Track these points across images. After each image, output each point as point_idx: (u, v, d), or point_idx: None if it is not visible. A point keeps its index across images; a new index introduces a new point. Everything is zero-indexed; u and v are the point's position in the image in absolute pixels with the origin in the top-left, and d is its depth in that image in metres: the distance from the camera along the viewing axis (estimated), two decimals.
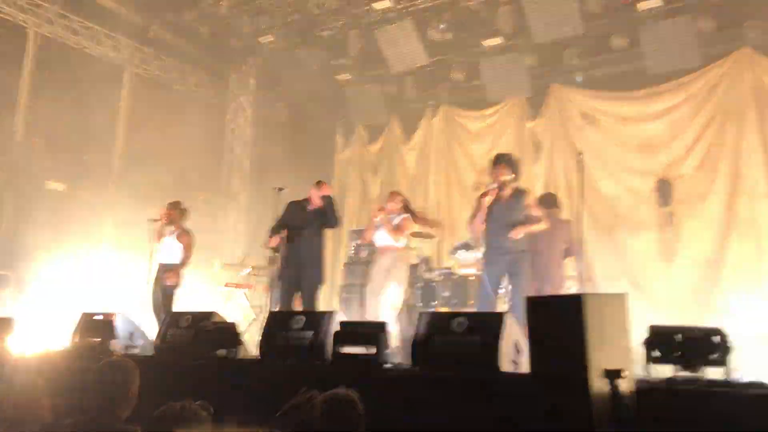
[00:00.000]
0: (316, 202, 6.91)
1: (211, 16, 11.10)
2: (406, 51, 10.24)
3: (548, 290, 6.24)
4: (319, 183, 7.06)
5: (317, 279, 6.84)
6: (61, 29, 10.45)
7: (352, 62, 11.19)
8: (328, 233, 7.93)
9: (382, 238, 6.85)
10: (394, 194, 7.19)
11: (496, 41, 10.13)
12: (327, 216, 6.90)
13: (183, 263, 7.45)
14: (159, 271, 7.45)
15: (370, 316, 6.68)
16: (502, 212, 5.92)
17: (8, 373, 5.46)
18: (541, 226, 5.89)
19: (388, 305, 6.52)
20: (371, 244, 7.30)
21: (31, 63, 10.20)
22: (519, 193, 5.99)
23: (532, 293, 5.69)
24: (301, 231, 6.82)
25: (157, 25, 10.93)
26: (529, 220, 5.88)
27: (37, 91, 10.17)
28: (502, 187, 5.95)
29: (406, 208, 6.95)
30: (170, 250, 7.47)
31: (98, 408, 3.25)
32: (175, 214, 7.56)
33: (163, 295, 7.29)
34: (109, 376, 3.35)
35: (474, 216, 6.11)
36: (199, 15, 11.05)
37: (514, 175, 6.03)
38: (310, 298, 6.67)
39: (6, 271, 9.08)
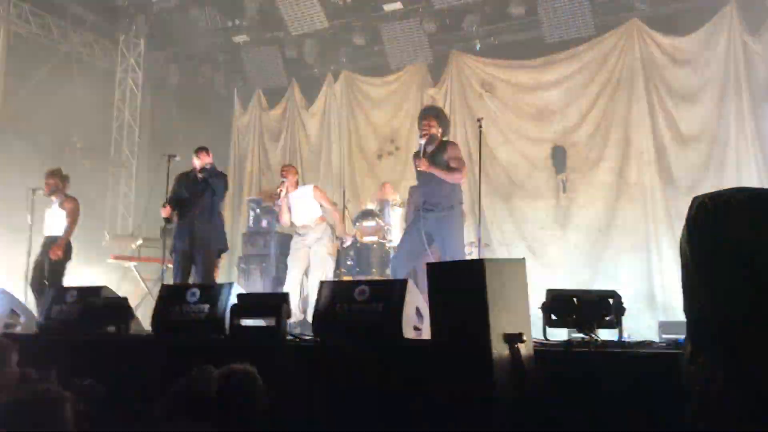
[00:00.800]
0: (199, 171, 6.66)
1: None
2: (306, 13, 9.97)
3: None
4: (197, 150, 6.75)
5: (212, 252, 6.61)
6: None
7: (249, 23, 10.79)
8: (226, 202, 7.70)
9: (304, 214, 6.80)
10: (289, 168, 7.13)
11: (396, 6, 10.01)
12: (209, 186, 6.62)
13: (67, 233, 7.00)
14: (44, 244, 6.99)
15: (290, 289, 6.60)
16: (434, 163, 5.55)
17: None
18: (453, 176, 5.52)
19: (320, 278, 6.40)
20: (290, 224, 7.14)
21: None
22: (442, 145, 5.71)
23: (460, 252, 5.51)
24: (191, 203, 6.55)
25: None
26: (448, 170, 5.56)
27: None
28: (430, 140, 5.68)
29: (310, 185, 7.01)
30: (55, 220, 7.01)
31: None
32: (56, 181, 7.08)
33: (50, 269, 6.85)
34: None
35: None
36: None
37: (441, 129, 5.79)
38: (205, 272, 6.42)
39: None
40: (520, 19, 9.61)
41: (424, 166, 5.47)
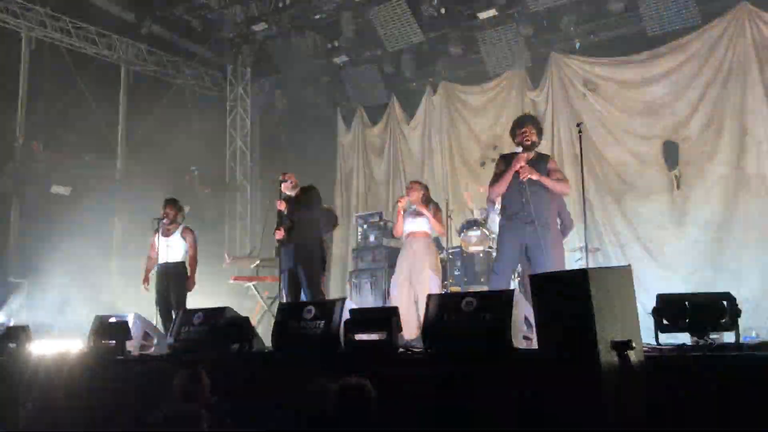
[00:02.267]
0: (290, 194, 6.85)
1: (202, 7, 11.04)
2: (401, 29, 10.15)
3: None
4: (282, 176, 6.91)
5: (314, 269, 6.71)
6: (54, 31, 10.43)
7: (347, 44, 11.09)
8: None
9: (414, 223, 6.90)
10: (413, 185, 7.16)
11: (491, 13, 10.00)
12: (301, 204, 6.73)
13: (194, 263, 7.48)
14: (163, 272, 7.43)
15: (399, 303, 6.56)
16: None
17: (28, 378, 5.55)
18: (559, 187, 5.44)
19: (425, 291, 6.48)
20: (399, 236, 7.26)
21: (27, 67, 10.20)
22: (541, 157, 5.62)
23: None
24: (292, 224, 6.71)
25: (149, 21, 10.86)
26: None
27: (35, 94, 10.19)
28: (531, 147, 5.56)
29: (426, 199, 6.99)
30: (172, 248, 7.47)
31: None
32: (175, 211, 7.56)
33: (176, 294, 7.31)
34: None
35: (497, 180, 5.62)
36: (188, 7, 10.98)
37: (539, 139, 5.68)
38: (312, 290, 6.57)
39: (19, 279, 9.14)
40: (620, 15, 9.37)
41: (534, 175, 5.34)
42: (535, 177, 5.35)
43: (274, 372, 4.58)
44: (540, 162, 5.56)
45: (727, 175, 8.77)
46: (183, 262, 7.45)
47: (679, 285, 8.35)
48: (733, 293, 3.34)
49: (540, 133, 5.71)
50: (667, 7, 8.81)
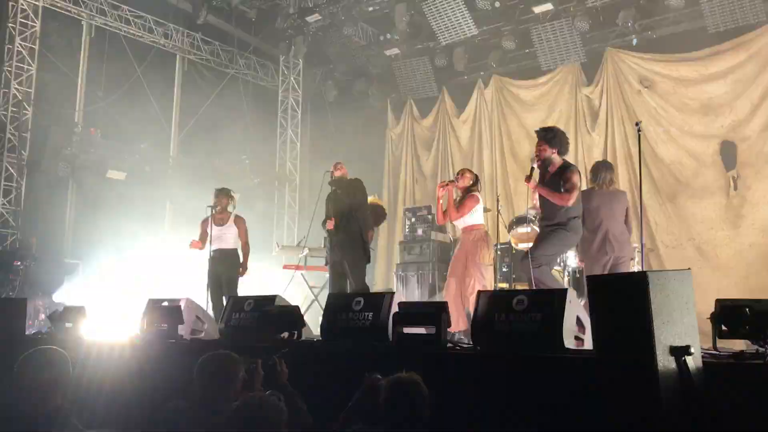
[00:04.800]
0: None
1: None
2: (455, 22, 10.10)
3: (623, 264, 6.00)
4: (334, 165, 7.01)
5: (357, 260, 6.76)
6: (113, 19, 10.67)
7: (400, 36, 11.09)
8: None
9: (462, 218, 6.83)
10: (464, 171, 7.05)
11: (546, 7, 9.88)
12: (342, 197, 6.80)
13: (248, 250, 7.61)
14: (216, 257, 7.56)
15: (449, 297, 6.50)
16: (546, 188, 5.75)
17: (82, 360, 5.70)
18: (559, 197, 5.57)
19: (473, 288, 6.46)
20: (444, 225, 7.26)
21: (87, 54, 10.47)
22: (562, 169, 5.71)
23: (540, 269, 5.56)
24: (337, 215, 6.79)
25: (204, 11, 11.03)
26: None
27: (93, 82, 10.45)
28: (545, 164, 5.75)
29: (469, 187, 6.83)
30: (225, 235, 7.60)
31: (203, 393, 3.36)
32: (228, 199, 7.69)
33: (227, 280, 7.45)
34: (213, 367, 3.46)
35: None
36: None
37: (555, 149, 5.76)
38: (355, 281, 6.64)
39: (75, 259, 9.42)
40: (679, 10, 9.15)
41: (531, 185, 5.69)
42: (530, 186, 5.72)
43: (323, 362, 4.62)
44: (559, 174, 5.70)
45: None
46: (235, 249, 7.59)
47: (731, 289, 8.16)
48: None
49: (556, 143, 5.79)
50: (730, 3, 8.56)
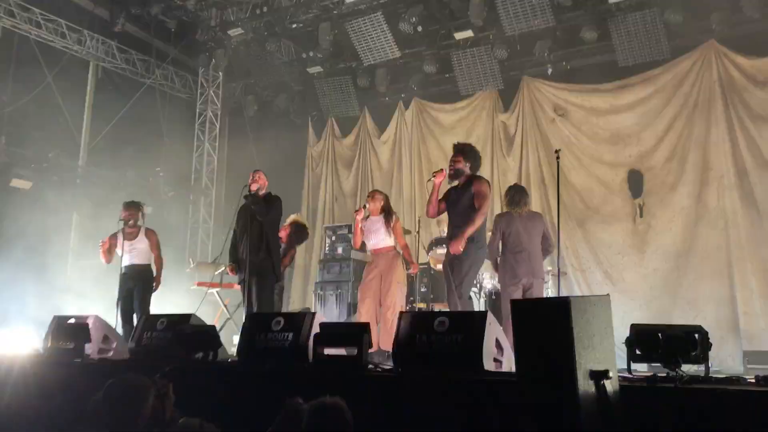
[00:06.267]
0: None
1: (178, 8, 10.93)
2: (378, 43, 10.19)
3: (537, 286, 6.18)
4: (252, 174, 6.75)
5: (266, 282, 6.55)
6: (23, 22, 10.18)
7: (322, 54, 11.09)
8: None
9: (377, 240, 6.84)
10: (374, 194, 7.13)
11: (467, 34, 10.12)
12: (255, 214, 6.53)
13: (159, 264, 7.37)
14: (128, 273, 7.30)
15: (366, 317, 6.59)
16: (455, 199, 5.96)
17: None
18: (474, 225, 5.74)
19: (394, 307, 6.49)
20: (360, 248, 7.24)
21: None
22: (470, 180, 5.95)
23: (463, 287, 5.71)
24: (245, 232, 6.55)
25: (122, 19, 10.69)
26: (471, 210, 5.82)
27: (0, 86, 9.92)
28: (456, 175, 5.98)
29: (387, 210, 6.93)
30: (136, 250, 7.35)
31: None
32: (137, 212, 7.44)
33: (140, 298, 7.18)
34: (120, 392, 3.28)
35: (429, 200, 6.13)
36: (165, 8, 10.86)
37: (468, 164, 6.01)
38: (261, 301, 6.41)
39: None
40: (592, 44, 9.56)
41: (454, 248, 5.73)
42: (454, 250, 5.75)
43: (240, 383, 4.50)
44: (467, 186, 5.93)
45: (688, 207, 9.00)
46: (148, 264, 7.34)
47: (637, 312, 8.52)
48: (689, 323, 3.43)
49: (470, 159, 6.05)
50: (639, 40, 9.02)
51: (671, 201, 9.15)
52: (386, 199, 7.11)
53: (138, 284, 7.20)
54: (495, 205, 9.21)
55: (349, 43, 10.44)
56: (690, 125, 9.14)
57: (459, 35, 10.18)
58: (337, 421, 2.87)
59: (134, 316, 7.05)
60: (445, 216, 6.42)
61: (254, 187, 6.61)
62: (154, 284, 7.30)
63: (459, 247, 5.65)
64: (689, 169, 9.06)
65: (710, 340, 3.34)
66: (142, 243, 7.38)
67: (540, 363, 2.87)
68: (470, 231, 5.70)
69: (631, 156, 9.51)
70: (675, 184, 9.16)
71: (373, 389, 4.00)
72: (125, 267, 7.29)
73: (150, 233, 7.46)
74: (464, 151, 6.08)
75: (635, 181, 9.48)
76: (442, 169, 6.10)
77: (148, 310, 7.02)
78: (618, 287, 9.17)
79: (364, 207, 7.02)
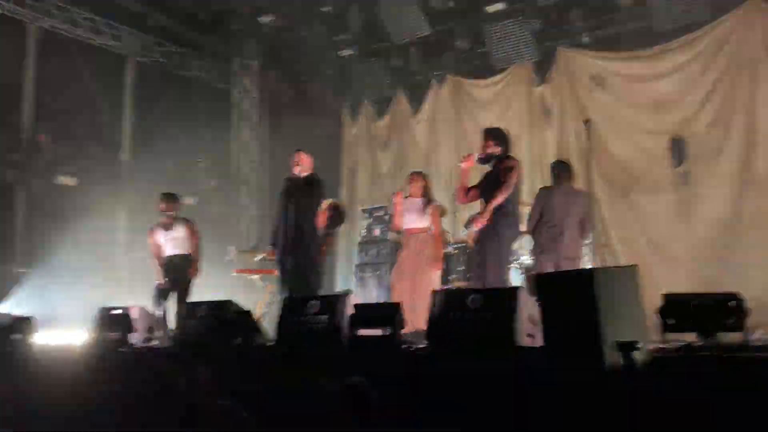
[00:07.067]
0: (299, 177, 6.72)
1: None
2: (408, 22, 10.11)
3: (566, 266, 6.08)
4: (295, 154, 6.80)
5: (307, 265, 6.57)
6: (61, 21, 10.40)
7: (354, 37, 11.06)
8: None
9: (411, 220, 6.80)
10: (414, 175, 7.08)
11: (498, 6, 9.96)
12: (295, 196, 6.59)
13: (197, 251, 7.51)
14: (171, 263, 7.46)
15: (399, 297, 6.54)
16: (488, 183, 5.97)
17: (32, 370, 5.55)
18: (497, 199, 5.73)
19: (429, 287, 6.47)
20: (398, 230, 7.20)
21: (34, 57, 10.18)
22: (499, 162, 5.98)
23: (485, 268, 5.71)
24: (286, 213, 6.59)
25: (156, 12, 10.83)
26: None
27: (42, 85, 10.17)
28: (488, 159, 6.00)
29: (426, 191, 6.87)
30: (177, 240, 7.50)
31: None
32: (177, 204, 7.59)
33: (181, 287, 7.35)
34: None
35: (458, 186, 6.18)
36: None
37: (500, 149, 6.00)
38: (307, 284, 6.46)
39: (23, 269, 9.16)
40: (628, 10, 9.30)
41: (470, 161, 5.96)
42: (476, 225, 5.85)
43: (277, 366, 4.56)
44: (498, 165, 6.00)
45: (734, 173, 8.69)
46: (187, 254, 7.50)
47: (684, 282, 8.29)
48: (740, 292, 3.32)
49: (502, 142, 6.08)
50: (676, 3, 8.73)
51: (717, 167, 8.83)
52: (427, 180, 7.04)
53: (178, 273, 7.36)
54: (536, 180, 9.10)
55: (380, 24, 10.37)
56: (734, 88, 8.79)
57: (491, 8, 10.02)
58: (362, 402, 2.88)
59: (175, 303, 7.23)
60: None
61: (297, 170, 6.64)
62: (193, 271, 7.44)
63: (483, 220, 5.62)
64: (734, 133, 8.73)
65: (748, 308, 3.23)
66: (179, 233, 7.54)
67: (566, 336, 2.84)
68: (494, 204, 5.70)
69: (673, 122, 9.23)
70: (720, 150, 8.84)
71: (405, 368, 4.01)
72: (165, 258, 7.46)
73: (187, 222, 7.62)
74: (495, 135, 6.08)
75: (679, 149, 9.20)
76: (470, 154, 6.11)
77: (188, 298, 7.17)
78: (664, 257, 8.95)
79: (402, 190, 6.99)
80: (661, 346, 3.31)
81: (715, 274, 8.45)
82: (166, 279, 7.40)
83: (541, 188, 6.63)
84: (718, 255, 8.61)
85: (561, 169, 6.47)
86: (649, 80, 9.47)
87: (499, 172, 5.85)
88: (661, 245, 9.11)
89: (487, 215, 5.65)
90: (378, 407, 2.91)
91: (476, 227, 5.69)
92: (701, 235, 8.83)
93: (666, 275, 8.50)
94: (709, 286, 8.09)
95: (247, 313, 5.21)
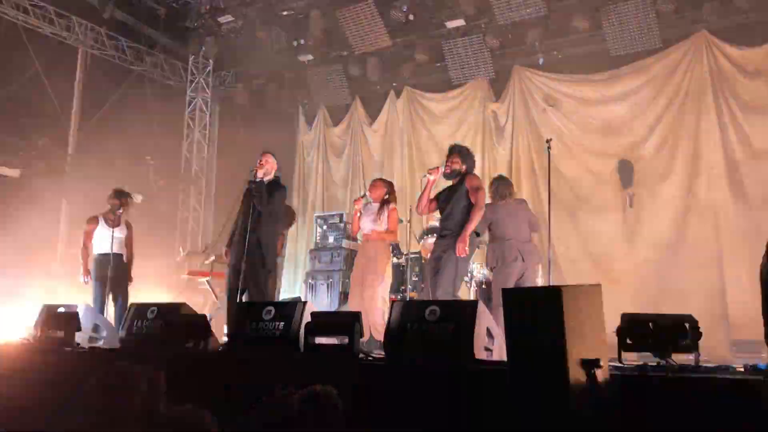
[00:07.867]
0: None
1: None
2: (369, 32, 10.14)
3: (530, 271, 6.28)
4: (261, 156, 6.57)
5: (259, 271, 6.28)
6: (10, 8, 10.04)
7: (313, 43, 11.03)
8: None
9: (367, 224, 6.80)
10: (375, 182, 7.11)
11: (458, 22, 10.09)
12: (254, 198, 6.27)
13: (131, 258, 7.41)
14: (113, 261, 7.27)
15: (354, 305, 6.51)
16: (448, 197, 6.14)
17: None
18: (473, 221, 5.91)
19: (379, 295, 6.49)
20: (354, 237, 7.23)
21: None
22: (462, 178, 6.14)
23: (443, 283, 5.80)
24: (246, 216, 6.28)
25: (111, 5, 10.58)
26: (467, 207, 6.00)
27: None
28: (452, 175, 6.16)
29: (387, 197, 6.86)
30: (118, 238, 7.35)
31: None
32: (123, 201, 7.43)
33: (121, 286, 7.20)
34: (111, 384, 3.24)
35: (420, 196, 6.31)
36: None
37: (465, 166, 6.17)
38: (258, 290, 6.23)
39: None
40: (585, 33, 9.55)
41: (460, 251, 5.80)
42: (460, 253, 5.84)
43: (231, 372, 4.49)
44: (461, 183, 6.13)
45: (678, 198, 9.02)
46: (126, 258, 7.40)
47: (626, 302, 8.50)
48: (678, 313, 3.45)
49: (467, 160, 6.24)
50: (630, 30, 9.02)
51: (661, 191, 9.17)
52: (389, 186, 7.02)
53: (116, 273, 7.19)
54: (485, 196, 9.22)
55: (341, 32, 10.38)
56: (680, 115, 9.16)
57: (451, 24, 10.15)
58: (327, 409, 2.86)
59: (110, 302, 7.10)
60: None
61: (260, 173, 6.32)
62: (130, 276, 7.34)
63: (465, 248, 5.74)
64: (679, 159, 9.09)
65: (700, 330, 3.36)
66: (121, 233, 7.41)
67: (531, 352, 2.88)
68: (471, 227, 5.88)
69: (621, 146, 9.53)
70: (665, 175, 9.18)
71: (363, 378, 4.00)
72: (101, 254, 7.28)
73: (130, 227, 7.50)
74: (461, 153, 6.25)
75: (626, 171, 9.48)
76: (437, 167, 6.26)
77: (127, 300, 7.04)
78: (608, 277, 9.17)
79: (363, 196, 7.02)
80: (618, 364, 3.40)
81: (657, 295, 8.72)
82: (103, 275, 7.21)
83: (487, 204, 6.71)
84: (661, 276, 8.89)
85: (503, 185, 6.65)
86: (600, 103, 9.76)
87: (464, 189, 5.98)
88: (604, 265, 9.35)
89: (466, 239, 5.77)
90: (343, 417, 2.88)
91: (458, 254, 5.78)
92: (643, 257, 9.11)
93: (609, 295, 8.66)
94: (651, 307, 8.36)
95: (201, 317, 5.12)
